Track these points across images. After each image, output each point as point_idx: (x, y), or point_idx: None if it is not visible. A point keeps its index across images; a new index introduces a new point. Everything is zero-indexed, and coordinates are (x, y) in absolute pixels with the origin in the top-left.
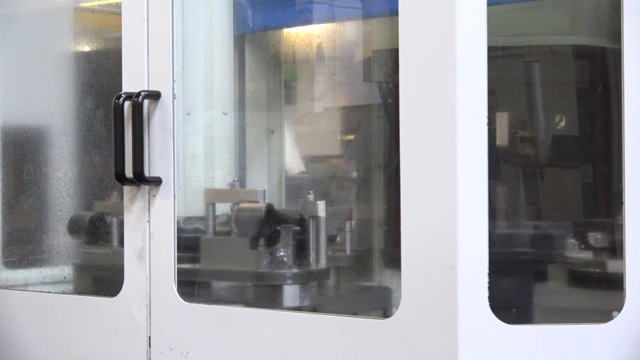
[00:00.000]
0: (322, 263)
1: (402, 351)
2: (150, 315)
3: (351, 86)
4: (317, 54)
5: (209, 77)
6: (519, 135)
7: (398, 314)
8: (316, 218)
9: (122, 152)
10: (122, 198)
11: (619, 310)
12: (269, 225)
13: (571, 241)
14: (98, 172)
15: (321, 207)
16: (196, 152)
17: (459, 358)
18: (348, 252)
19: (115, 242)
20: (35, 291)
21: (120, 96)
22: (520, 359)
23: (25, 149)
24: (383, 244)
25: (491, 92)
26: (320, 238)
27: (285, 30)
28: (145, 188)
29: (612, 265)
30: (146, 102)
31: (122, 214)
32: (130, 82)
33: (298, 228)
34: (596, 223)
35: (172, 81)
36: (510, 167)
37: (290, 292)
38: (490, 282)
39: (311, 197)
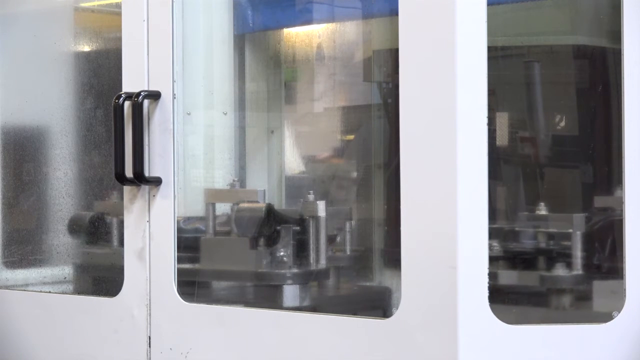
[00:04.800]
0: (322, 263)
1: (402, 351)
2: (150, 315)
3: (351, 86)
4: (317, 54)
5: (209, 77)
6: (519, 135)
7: (398, 314)
8: (316, 218)
9: (122, 152)
10: (122, 198)
11: (619, 310)
12: (269, 225)
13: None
14: (98, 172)
15: (321, 207)
16: (196, 152)
17: (459, 358)
18: (348, 252)
19: (115, 242)
20: (35, 291)
21: (120, 96)
22: (520, 359)
23: (25, 149)
24: (383, 244)
25: (491, 92)
26: (320, 238)
27: (285, 30)
28: (145, 188)
29: (611, 265)
30: (146, 102)
31: (122, 214)
32: (130, 82)
33: (298, 228)
34: (594, 222)
35: (172, 81)
36: (510, 167)
37: (290, 292)
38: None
39: (311, 197)
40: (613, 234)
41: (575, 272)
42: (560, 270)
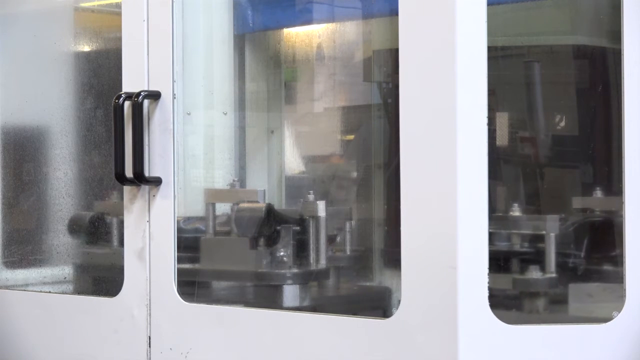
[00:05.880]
0: (322, 263)
1: (402, 351)
2: (150, 315)
3: (351, 86)
4: (317, 54)
5: (209, 77)
6: (519, 135)
7: (398, 314)
8: (316, 218)
9: (122, 152)
10: (122, 198)
11: (619, 310)
12: (269, 225)
13: (570, 242)
14: (98, 172)
15: (321, 207)
16: (196, 152)
17: (459, 358)
18: (348, 252)
19: (115, 242)
20: (35, 291)
21: (120, 96)
22: (520, 359)
23: (25, 149)
24: (383, 244)
25: (491, 92)
26: (320, 238)
27: (285, 30)
28: (145, 188)
29: (611, 266)
30: (146, 102)
31: (122, 214)
32: (130, 82)
33: (298, 228)
34: (595, 223)
35: (172, 81)
36: (510, 167)
37: (290, 292)
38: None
39: (311, 197)
40: (613, 234)
41: (581, 272)
42: (562, 271)
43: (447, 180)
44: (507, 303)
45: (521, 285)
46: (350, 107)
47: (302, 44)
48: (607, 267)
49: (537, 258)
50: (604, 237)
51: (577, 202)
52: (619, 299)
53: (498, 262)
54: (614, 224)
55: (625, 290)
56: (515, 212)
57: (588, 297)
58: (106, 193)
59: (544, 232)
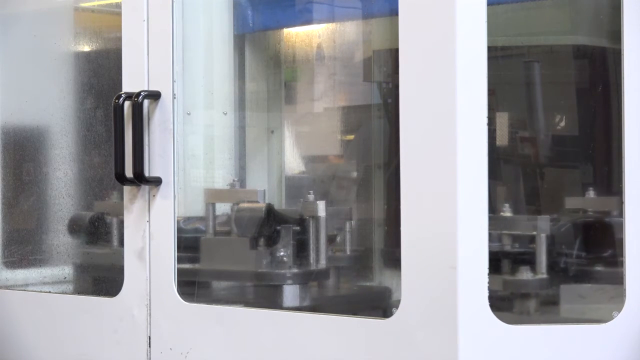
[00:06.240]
0: (322, 263)
1: (402, 351)
2: (150, 315)
3: (351, 86)
4: (317, 54)
5: (209, 77)
6: (519, 135)
7: (398, 314)
8: (316, 218)
9: (122, 152)
10: (122, 198)
11: (619, 310)
12: (269, 225)
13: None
14: (98, 172)
15: (321, 207)
16: (196, 152)
17: (459, 358)
18: (348, 252)
19: (115, 242)
20: (35, 291)
21: (120, 96)
22: (520, 359)
23: (25, 149)
24: (383, 244)
25: (491, 92)
26: (320, 238)
27: (285, 30)
28: (145, 188)
29: (610, 266)
30: (146, 102)
31: (122, 214)
32: (130, 82)
33: (298, 228)
34: (595, 222)
35: (172, 81)
36: (510, 167)
37: (290, 292)
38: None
39: (311, 197)
40: (613, 234)
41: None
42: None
43: (447, 180)
44: (506, 303)
45: (520, 286)
46: (350, 107)
47: (302, 44)
48: (611, 268)
49: (534, 259)
50: (609, 236)
51: (578, 202)
52: (620, 299)
53: (498, 262)
54: (615, 224)
55: (625, 290)
56: (507, 212)
57: (587, 298)
58: (106, 193)
59: (536, 232)
